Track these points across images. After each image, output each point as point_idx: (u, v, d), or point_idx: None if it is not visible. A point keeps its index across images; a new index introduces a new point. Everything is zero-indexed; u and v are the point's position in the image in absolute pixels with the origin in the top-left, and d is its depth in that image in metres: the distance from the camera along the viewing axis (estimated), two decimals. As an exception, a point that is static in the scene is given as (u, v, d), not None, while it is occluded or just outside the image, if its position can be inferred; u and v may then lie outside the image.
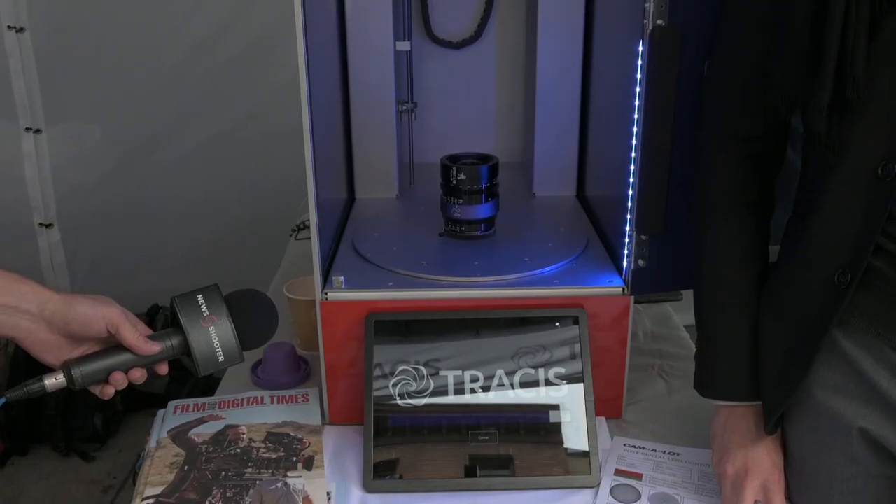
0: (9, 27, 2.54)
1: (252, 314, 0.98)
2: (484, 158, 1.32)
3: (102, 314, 0.89)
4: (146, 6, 2.56)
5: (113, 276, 2.82)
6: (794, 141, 1.01)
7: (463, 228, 1.32)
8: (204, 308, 0.94)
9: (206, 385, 2.25)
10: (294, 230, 1.97)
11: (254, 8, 2.57)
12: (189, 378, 2.52)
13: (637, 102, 1.11)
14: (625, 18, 1.19)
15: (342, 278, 1.18)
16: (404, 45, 1.51)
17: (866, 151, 0.84)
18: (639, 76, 1.10)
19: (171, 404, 1.25)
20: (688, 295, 1.12)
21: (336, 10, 1.43)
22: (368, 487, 1.09)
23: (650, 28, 1.05)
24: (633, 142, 1.13)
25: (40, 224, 2.79)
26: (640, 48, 1.08)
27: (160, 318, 2.64)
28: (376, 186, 1.59)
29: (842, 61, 0.81)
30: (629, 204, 1.17)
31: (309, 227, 1.14)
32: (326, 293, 1.17)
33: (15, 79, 2.61)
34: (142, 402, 2.63)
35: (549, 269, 1.24)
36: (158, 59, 2.64)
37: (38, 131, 2.69)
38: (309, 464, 1.12)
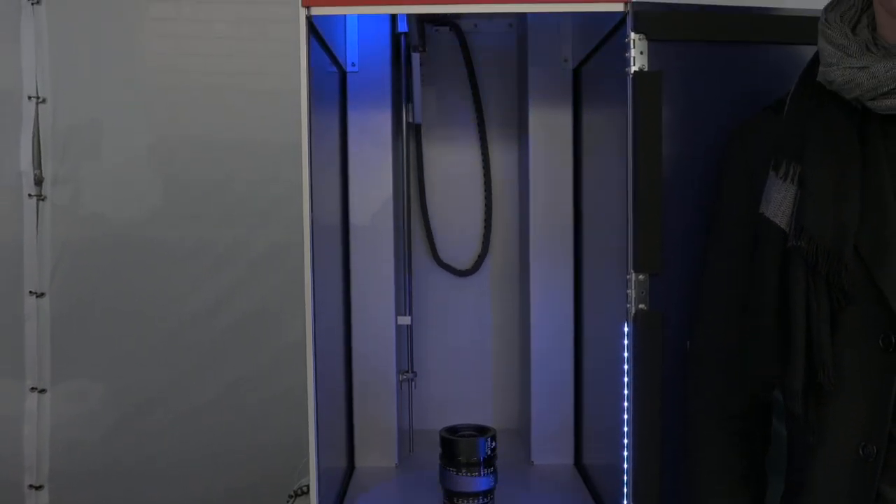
0: (30, 292, 2.68)
1: None
2: (482, 430, 1.35)
3: None
4: (155, 278, 2.72)
5: (99, 542, 2.71)
6: (780, 413, 1.05)
7: (462, 501, 1.32)
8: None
9: None
10: (291, 496, 1.94)
11: (258, 279, 2.71)
12: None
13: (626, 379, 1.17)
14: (610, 302, 1.28)
15: (340, 557, 1.17)
16: (405, 320, 1.61)
17: (845, 433, 0.88)
18: (626, 354, 1.17)
19: None
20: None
21: (342, 286, 1.54)
22: None
23: (633, 311, 1.14)
24: (626, 416, 1.18)
25: (30, 486, 2.74)
26: (626, 328, 1.16)
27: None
28: (376, 454, 1.60)
29: (810, 351, 0.87)
30: (625, 477, 1.19)
31: (306, 492, 1.14)
32: (323, 572, 1.15)
33: (28, 341, 2.70)
34: None
35: (548, 545, 1.23)
36: (165, 324, 2.74)
37: (42, 391, 2.73)
38: None
